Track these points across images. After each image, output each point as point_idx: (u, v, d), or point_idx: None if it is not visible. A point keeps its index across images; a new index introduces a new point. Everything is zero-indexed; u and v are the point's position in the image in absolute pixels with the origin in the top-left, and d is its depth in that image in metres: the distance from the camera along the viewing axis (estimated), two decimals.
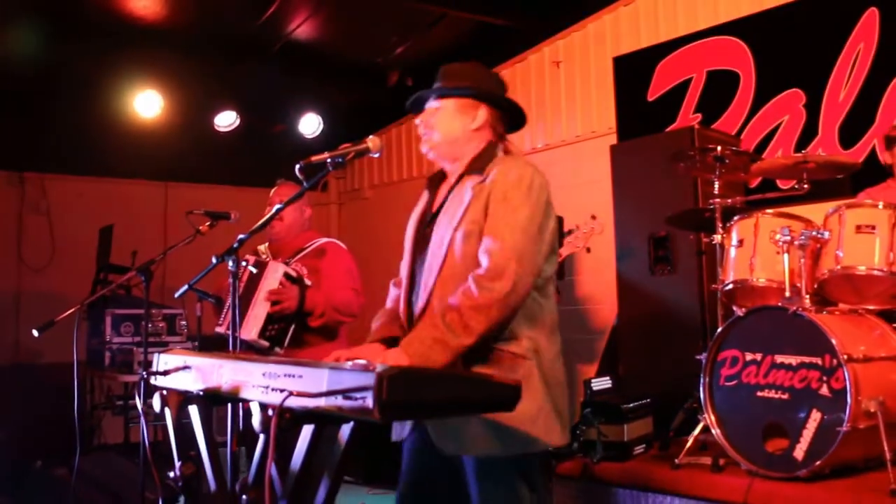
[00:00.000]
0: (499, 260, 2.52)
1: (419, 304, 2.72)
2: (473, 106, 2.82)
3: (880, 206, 4.03)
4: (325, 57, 7.97)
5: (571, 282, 6.92)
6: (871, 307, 4.11)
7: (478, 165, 2.75)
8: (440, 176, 2.95)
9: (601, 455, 4.33)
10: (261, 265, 4.30)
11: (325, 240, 4.68)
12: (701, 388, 4.10)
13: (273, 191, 4.66)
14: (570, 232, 5.22)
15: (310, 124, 8.38)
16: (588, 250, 5.22)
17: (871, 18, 5.52)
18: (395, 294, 2.95)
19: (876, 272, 3.94)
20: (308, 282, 4.38)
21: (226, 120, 8.03)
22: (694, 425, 4.23)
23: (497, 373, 2.52)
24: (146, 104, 7.52)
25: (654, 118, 6.61)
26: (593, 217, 5.09)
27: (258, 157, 8.38)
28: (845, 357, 3.59)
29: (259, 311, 4.23)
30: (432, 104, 2.86)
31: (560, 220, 6.37)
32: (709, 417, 4.04)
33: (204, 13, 6.97)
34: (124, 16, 6.79)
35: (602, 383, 4.67)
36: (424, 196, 2.97)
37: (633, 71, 6.86)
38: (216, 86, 7.84)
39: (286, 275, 4.29)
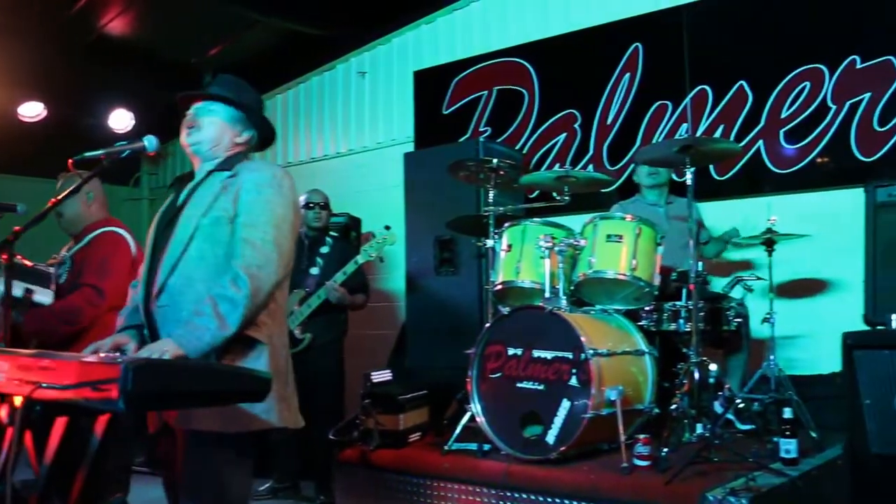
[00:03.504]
0: (263, 251, 2.70)
1: (157, 282, 2.79)
2: (244, 125, 3.02)
3: (628, 219, 4.53)
4: (138, 53, 7.89)
5: (371, 280, 7.19)
6: (618, 307, 4.61)
7: (227, 164, 2.93)
8: (189, 177, 3.06)
9: (378, 443, 4.58)
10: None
11: (101, 230, 4.44)
12: (469, 380, 4.43)
13: (58, 184, 4.55)
14: (366, 236, 5.51)
15: (120, 119, 8.22)
16: (381, 260, 5.53)
17: (636, 53, 6.20)
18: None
19: (621, 276, 4.42)
20: (44, 299, 4.17)
21: (32, 110, 7.77)
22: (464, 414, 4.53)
23: (234, 356, 2.70)
24: None
25: (448, 130, 7.06)
26: (387, 227, 5.40)
27: (66, 150, 8.12)
28: (591, 351, 4.01)
29: None
30: (208, 105, 2.99)
31: (359, 222, 6.68)
32: (475, 407, 4.38)
33: (13, 1, 6.78)
34: None
35: (382, 376, 4.92)
36: (170, 196, 3.06)
37: (431, 85, 7.31)
38: (23, 75, 7.60)
39: None
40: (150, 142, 2.95)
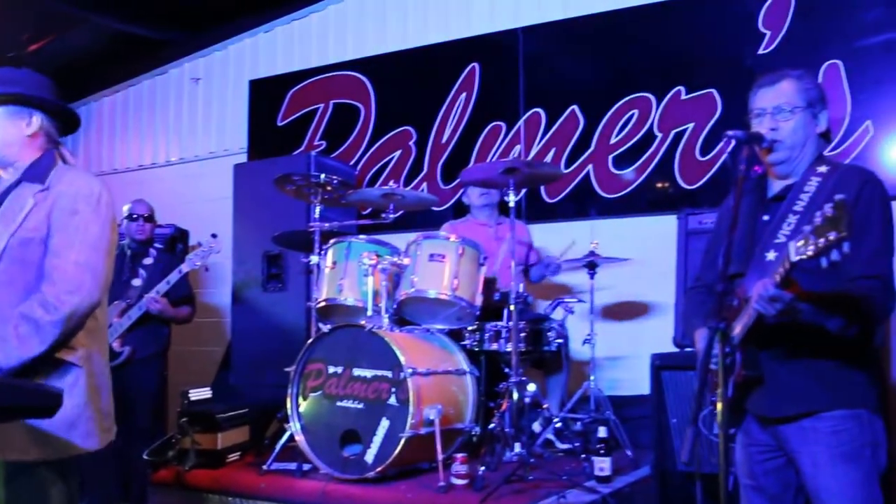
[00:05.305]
0: (74, 274, 2.57)
1: None
2: (27, 112, 2.81)
3: (451, 239, 4.56)
4: None
5: (197, 294, 7.01)
6: (441, 327, 4.64)
7: (37, 173, 2.75)
8: None
9: (194, 462, 4.45)
10: None
11: None
12: (288, 399, 4.37)
13: None
14: (194, 248, 5.33)
15: None
16: (206, 269, 5.37)
17: (473, 72, 6.28)
18: None
19: (443, 296, 4.44)
20: None
21: None
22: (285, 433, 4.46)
23: (43, 379, 2.55)
24: None
25: (283, 142, 6.98)
26: (214, 236, 5.25)
27: None
28: (410, 371, 4.01)
29: None
30: None
31: (186, 234, 6.47)
32: (294, 426, 4.32)
33: None
34: None
35: (201, 394, 4.79)
36: None
37: (266, 95, 7.20)
38: None
39: None
40: None
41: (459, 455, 4.00)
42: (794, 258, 2.05)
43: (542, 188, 5.93)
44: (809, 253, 1.99)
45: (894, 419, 4.40)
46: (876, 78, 4.94)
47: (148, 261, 5.42)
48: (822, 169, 2.50)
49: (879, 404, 2.46)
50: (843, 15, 5.06)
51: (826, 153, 2.66)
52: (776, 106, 2.54)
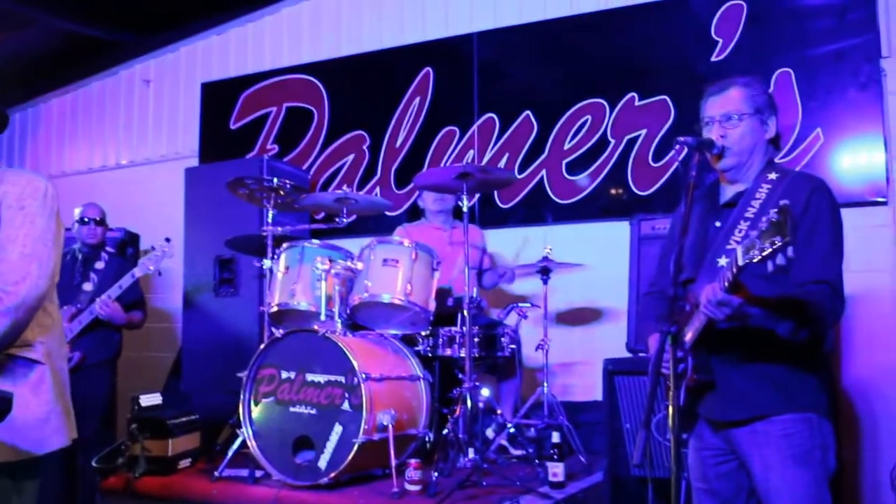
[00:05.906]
0: (19, 265, 2.56)
1: None
2: None
3: (405, 244, 4.55)
4: None
5: (147, 299, 6.91)
6: (395, 332, 4.62)
7: None
8: None
9: (144, 469, 4.38)
10: None
11: None
12: (241, 405, 4.33)
13: None
14: (146, 252, 5.25)
15: None
16: (159, 274, 5.30)
17: (427, 77, 6.26)
18: None
19: (397, 301, 4.42)
20: None
21: None
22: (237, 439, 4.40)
23: (12, 381, 2.54)
24: None
25: (235, 145, 6.92)
26: (167, 240, 5.18)
27: None
28: (363, 376, 3.99)
29: None
30: None
31: (137, 238, 6.37)
32: (246, 431, 4.28)
33: None
34: None
35: (151, 399, 4.70)
36: None
37: (219, 98, 7.13)
38: None
39: None
40: None
41: (413, 461, 3.98)
42: (741, 262, 2.08)
43: (496, 193, 5.92)
44: (756, 257, 2.01)
45: (844, 423, 4.54)
46: (826, 86, 5.02)
47: (99, 265, 5.33)
48: (773, 176, 2.54)
49: (829, 408, 2.50)
50: (795, 24, 5.13)
51: (777, 160, 2.69)
52: (724, 113, 2.59)
